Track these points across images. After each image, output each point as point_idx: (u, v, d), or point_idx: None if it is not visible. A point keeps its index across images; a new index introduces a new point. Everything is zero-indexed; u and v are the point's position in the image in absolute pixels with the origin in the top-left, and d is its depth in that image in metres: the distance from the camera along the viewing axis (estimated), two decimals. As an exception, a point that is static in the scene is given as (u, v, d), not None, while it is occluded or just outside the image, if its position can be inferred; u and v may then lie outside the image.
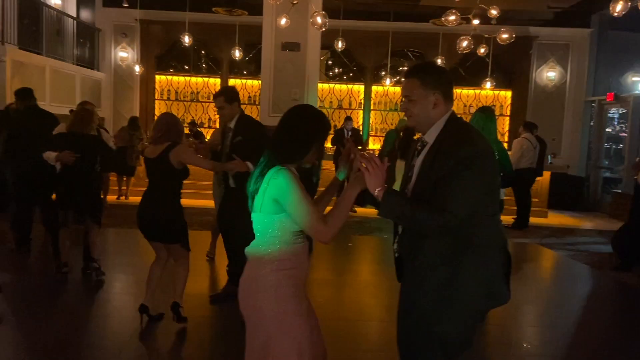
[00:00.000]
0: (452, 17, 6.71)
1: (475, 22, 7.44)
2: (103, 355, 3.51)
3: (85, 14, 12.42)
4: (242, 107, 10.85)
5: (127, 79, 11.98)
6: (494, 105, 12.04)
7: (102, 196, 6.08)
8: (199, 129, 11.30)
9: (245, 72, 12.47)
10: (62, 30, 10.58)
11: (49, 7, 10.37)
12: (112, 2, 11.35)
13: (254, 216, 2.13)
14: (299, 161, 2.13)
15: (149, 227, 3.80)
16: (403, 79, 2.21)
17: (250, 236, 2.13)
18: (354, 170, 2.13)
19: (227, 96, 4.20)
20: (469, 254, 2.07)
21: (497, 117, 12.13)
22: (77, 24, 11.39)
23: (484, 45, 8.53)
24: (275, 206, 2.03)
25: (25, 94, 5.83)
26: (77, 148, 4.54)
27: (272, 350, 2.04)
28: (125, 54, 11.97)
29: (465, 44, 7.22)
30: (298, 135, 2.10)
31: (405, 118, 9.01)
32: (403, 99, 2.19)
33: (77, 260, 5.06)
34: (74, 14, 11.91)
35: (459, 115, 2.26)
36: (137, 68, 11.31)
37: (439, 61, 10.28)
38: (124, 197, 9.51)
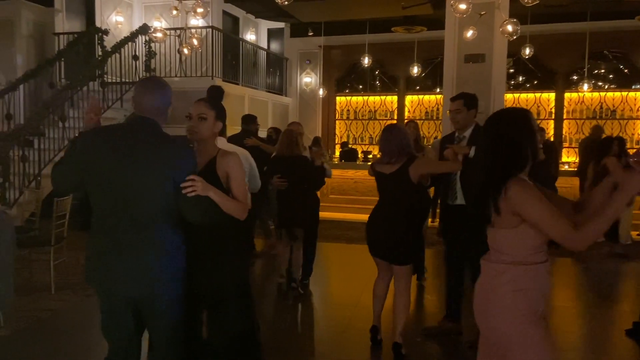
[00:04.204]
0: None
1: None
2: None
3: (274, 46, 13.63)
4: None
5: (310, 102, 12.78)
6: None
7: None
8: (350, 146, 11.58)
9: (417, 87, 12.41)
10: (256, 62, 11.75)
11: (246, 42, 11.62)
12: (298, 33, 12.24)
13: (489, 231, 2.03)
14: (528, 166, 1.97)
15: (378, 244, 3.52)
16: None
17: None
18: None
19: (467, 100, 3.70)
20: None
21: None
22: (268, 55, 12.55)
23: None
24: (512, 219, 1.91)
25: (243, 119, 6.55)
26: (285, 170, 4.71)
27: None
28: (309, 79, 12.81)
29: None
30: (512, 141, 1.95)
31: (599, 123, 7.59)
32: None
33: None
34: (265, 47, 13.17)
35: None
36: (320, 91, 12.02)
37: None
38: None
